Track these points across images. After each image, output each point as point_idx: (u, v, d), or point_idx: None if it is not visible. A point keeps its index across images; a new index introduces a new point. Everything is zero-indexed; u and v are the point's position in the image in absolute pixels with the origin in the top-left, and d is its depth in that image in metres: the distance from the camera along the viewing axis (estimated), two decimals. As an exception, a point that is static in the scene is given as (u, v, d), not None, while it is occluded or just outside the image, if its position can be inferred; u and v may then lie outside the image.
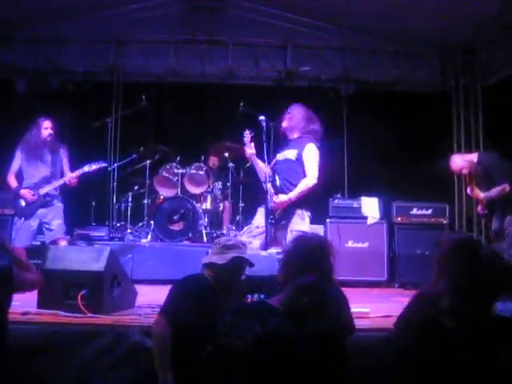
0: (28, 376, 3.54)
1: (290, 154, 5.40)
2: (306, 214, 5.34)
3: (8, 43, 8.23)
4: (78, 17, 8.13)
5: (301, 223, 5.28)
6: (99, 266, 4.44)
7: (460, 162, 6.33)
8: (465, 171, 6.29)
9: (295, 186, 5.25)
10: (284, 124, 5.55)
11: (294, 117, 5.52)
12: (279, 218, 5.25)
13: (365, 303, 4.71)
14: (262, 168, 5.40)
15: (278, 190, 5.30)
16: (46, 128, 6.32)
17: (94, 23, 8.17)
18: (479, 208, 6.40)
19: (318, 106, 5.92)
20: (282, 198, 5.23)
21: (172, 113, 8.94)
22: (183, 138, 8.69)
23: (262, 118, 5.41)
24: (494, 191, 5.98)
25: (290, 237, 5.24)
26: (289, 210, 5.26)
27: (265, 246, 5.15)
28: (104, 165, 6.52)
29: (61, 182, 6.27)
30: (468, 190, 6.35)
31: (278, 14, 8.34)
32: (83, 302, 4.25)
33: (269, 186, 5.25)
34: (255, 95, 7.98)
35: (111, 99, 8.15)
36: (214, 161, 8.32)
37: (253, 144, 5.38)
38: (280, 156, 5.49)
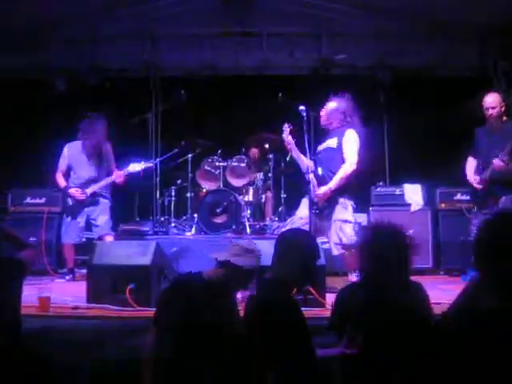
0: (78, 369, 3.60)
1: (331, 142, 5.38)
2: (349, 203, 5.31)
3: (45, 44, 8.32)
4: (111, 14, 8.17)
5: (344, 212, 5.26)
6: (146, 259, 4.52)
7: (499, 98, 5.80)
8: (495, 112, 5.80)
9: (337, 174, 5.23)
10: (322, 120, 5.53)
11: (331, 112, 5.49)
12: (322, 208, 5.23)
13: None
14: (304, 159, 5.38)
15: (321, 180, 5.28)
16: (95, 126, 6.38)
17: (127, 20, 8.19)
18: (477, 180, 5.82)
19: (356, 94, 5.86)
20: (323, 189, 5.21)
21: (210, 106, 8.92)
22: (223, 130, 8.69)
23: (302, 108, 5.37)
24: None
25: (333, 227, 5.24)
26: (331, 200, 5.24)
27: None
28: (150, 165, 6.55)
29: (108, 180, 6.33)
30: None
31: (311, 2, 8.25)
32: (131, 296, 4.32)
33: (311, 176, 5.22)
34: (292, 85, 7.93)
35: (149, 95, 8.17)
36: (254, 153, 8.29)
37: (290, 137, 5.39)
38: (322, 146, 5.47)
